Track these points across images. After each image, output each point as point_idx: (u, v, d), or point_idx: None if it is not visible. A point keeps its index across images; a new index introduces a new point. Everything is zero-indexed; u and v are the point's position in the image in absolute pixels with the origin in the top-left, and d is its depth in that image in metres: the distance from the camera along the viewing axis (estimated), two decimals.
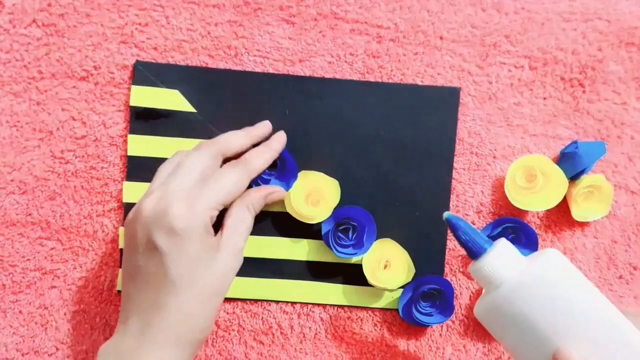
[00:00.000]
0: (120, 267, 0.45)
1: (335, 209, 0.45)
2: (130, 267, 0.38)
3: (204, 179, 0.39)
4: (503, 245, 0.35)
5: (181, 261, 0.36)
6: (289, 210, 0.45)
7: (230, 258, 0.38)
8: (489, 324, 0.36)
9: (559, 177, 0.44)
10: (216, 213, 0.39)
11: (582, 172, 0.44)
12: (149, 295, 0.36)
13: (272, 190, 0.43)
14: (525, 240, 0.45)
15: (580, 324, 0.33)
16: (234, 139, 0.42)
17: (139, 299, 0.37)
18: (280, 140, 0.44)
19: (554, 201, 0.44)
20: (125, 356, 0.35)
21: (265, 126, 0.44)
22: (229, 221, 0.40)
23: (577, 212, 0.45)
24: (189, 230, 0.36)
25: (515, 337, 0.34)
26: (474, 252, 0.35)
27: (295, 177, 0.45)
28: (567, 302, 0.33)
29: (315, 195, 0.44)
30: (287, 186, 0.44)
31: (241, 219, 0.40)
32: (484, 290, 0.36)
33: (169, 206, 0.36)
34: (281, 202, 0.45)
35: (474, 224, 0.46)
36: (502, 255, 0.34)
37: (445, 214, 0.36)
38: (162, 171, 0.40)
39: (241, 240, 0.39)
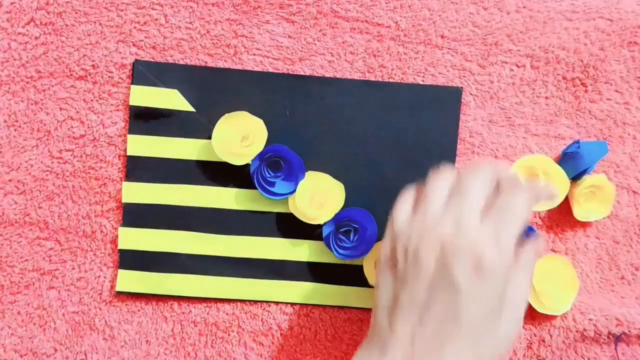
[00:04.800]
0: (119, 267, 0.45)
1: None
2: (405, 293, 0.31)
3: (488, 207, 0.33)
4: None
5: (479, 306, 0.30)
6: (292, 210, 0.44)
7: (513, 318, 0.31)
8: None
9: (560, 177, 0.44)
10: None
11: (584, 172, 0.44)
12: (424, 332, 0.30)
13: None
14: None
15: None
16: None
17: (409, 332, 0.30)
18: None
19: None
20: None
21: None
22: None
23: (579, 212, 0.45)
24: (498, 269, 0.30)
25: None
26: None
27: (303, 175, 0.44)
28: None
29: (319, 196, 0.44)
30: (295, 185, 0.44)
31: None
32: None
33: (477, 237, 0.30)
34: (284, 202, 0.45)
35: None
36: None
37: None
38: (438, 192, 0.34)
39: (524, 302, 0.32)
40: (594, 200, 0.45)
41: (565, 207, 0.46)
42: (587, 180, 0.44)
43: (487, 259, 0.29)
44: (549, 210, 0.46)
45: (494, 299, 0.30)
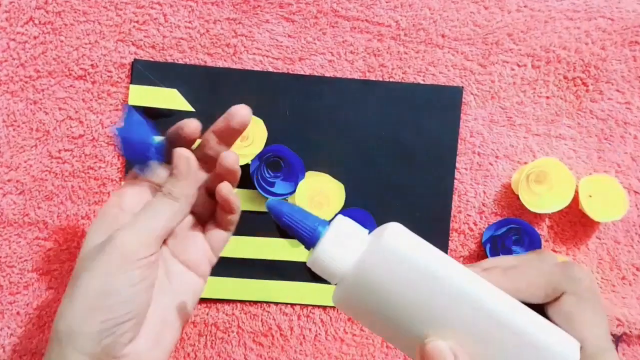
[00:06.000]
0: None
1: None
2: None
3: None
4: (340, 225, 0.28)
5: None
6: None
7: None
8: (350, 314, 0.30)
9: (567, 177, 0.44)
10: None
11: None
12: None
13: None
14: (528, 241, 0.45)
15: (443, 307, 0.26)
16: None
17: None
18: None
19: (564, 202, 0.44)
20: None
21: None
22: None
23: (591, 212, 0.45)
24: None
25: (380, 328, 0.28)
26: (306, 240, 0.28)
27: (302, 175, 0.44)
28: (421, 284, 0.26)
29: (320, 196, 0.44)
30: (294, 185, 0.44)
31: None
32: (330, 281, 0.29)
33: None
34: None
35: (475, 224, 0.46)
36: (339, 238, 0.27)
37: (267, 202, 0.28)
38: None
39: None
40: (605, 202, 0.45)
41: (566, 207, 0.45)
42: (592, 180, 0.44)
43: None
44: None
45: None
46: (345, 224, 0.28)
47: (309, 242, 0.28)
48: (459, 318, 0.26)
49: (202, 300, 0.45)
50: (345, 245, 0.27)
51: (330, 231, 0.28)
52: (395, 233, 0.27)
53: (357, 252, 0.27)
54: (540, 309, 0.29)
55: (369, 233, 0.28)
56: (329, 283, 0.45)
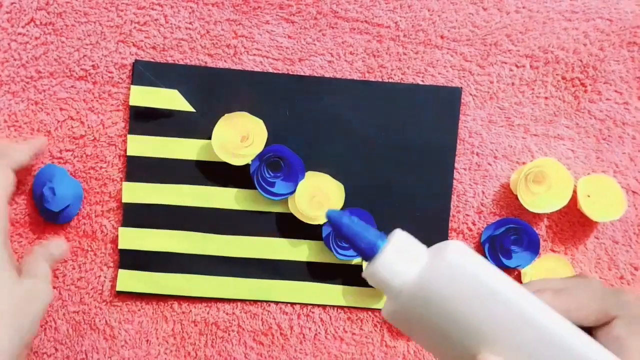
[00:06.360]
0: (119, 267, 0.45)
1: None
2: None
3: None
4: (399, 239, 0.28)
5: None
6: (292, 210, 0.44)
7: None
8: (403, 328, 0.30)
9: (565, 177, 0.44)
10: None
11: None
12: None
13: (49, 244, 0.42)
14: (527, 241, 0.45)
15: (500, 324, 0.27)
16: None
17: None
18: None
19: (562, 202, 0.44)
20: None
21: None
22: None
23: (589, 212, 0.45)
24: None
25: (432, 342, 0.29)
26: (365, 253, 0.28)
27: (302, 175, 0.44)
28: (481, 301, 0.27)
29: (320, 197, 0.44)
30: (294, 185, 0.44)
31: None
32: (386, 295, 0.30)
33: None
34: (284, 202, 0.45)
35: (474, 224, 0.46)
36: (399, 253, 0.28)
37: (327, 213, 0.29)
38: None
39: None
40: (604, 202, 0.45)
41: (565, 207, 0.46)
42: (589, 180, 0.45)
43: None
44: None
45: None
46: (405, 237, 0.28)
47: (368, 254, 0.28)
48: (516, 337, 0.27)
49: (203, 300, 0.46)
50: (405, 259, 0.28)
51: (391, 244, 0.28)
52: (458, 250, 0.28)
53: (417, 266, 0.28)
54: (588, 332, 0.29)
55: (385, 247, 0.28)
56: (330, 283, 0.45)
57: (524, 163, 0.46)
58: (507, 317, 0.27)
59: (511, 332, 0.27)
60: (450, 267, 0.27)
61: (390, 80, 0.46)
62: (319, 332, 0.46)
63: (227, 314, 0.46)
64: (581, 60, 0.46)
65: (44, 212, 0.44)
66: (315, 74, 0.46)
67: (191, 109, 0.45)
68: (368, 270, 0.28)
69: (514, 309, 0.27)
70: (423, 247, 0.29)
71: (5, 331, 0.35)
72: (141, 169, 0.45)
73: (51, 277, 0.39)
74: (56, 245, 0.42)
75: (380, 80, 0.46)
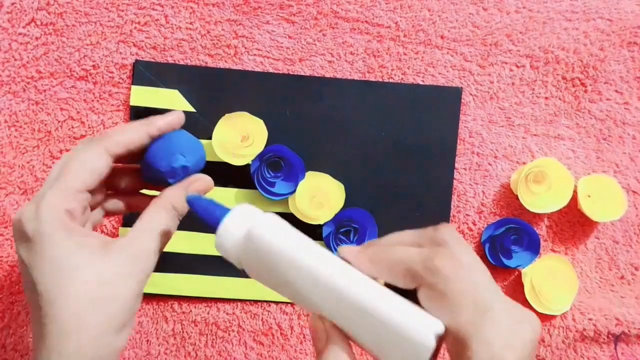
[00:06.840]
0: None
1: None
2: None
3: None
4: (236, 213, 0.31)
5: (44, 268, 0.30)
6: (292, 210, 0.44)
7: (122, 260, 0.31)
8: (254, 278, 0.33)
9: (565, 178, 0.44)
10: (76, 205, 0.32)
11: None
12: (33, 314, 0.31)
13: (193, 180, 0.36)
14: (528, 241, 0.45)
15: (303, 287, 0.29)
16: (120, 132, 0.34)
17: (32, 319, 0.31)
18: (167, 119, 0.35)
19: (563, 202, 0.45)
20: None
21: (174, 115, 0.36)
22: (136, 222, 0.33)
23: (590, 212, 0.45)
24: (41, 232, 0.30)
25: (280, 291, 0.31)
26: (211, 226, 0.31)
27: (303, 175, 0.44)
28: (282, 267, 0.30)
29: (320, 196, 0.44)
30: (295, 185, 0.44)
31: (151, 219, 0.33)
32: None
33: (21, 212, 0.31)
34: (285, 202, 0.45)
35: (474, 224, 0.46)
36: (235, 223, 0.31)
37: (186, 196, 0.32)
38: (48, 177, 0.34)
39: (148, 240, 0.32)
40: (603, 201, 0.45)
41: (565, 207, 0.46)
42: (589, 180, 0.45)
43: (27, 230, 0.31)
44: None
45: (63, 254, 0.31)
46: (245, 211, 0.31)
47: (213, 227, 0.31)
48: (319, 299, 0.29)
49: (203, 300, 0.46)
50: (236, 228, 0.31)
51: (229, 217, 0.31)
52: (265, 223, 0.31)
53: (241, 234, 0.31)
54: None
55: (226, 218, 0.31)
56: None
57: (524, 163, 0.46)
58: (306, 280, 0.29)
59: (313, 293, 0.29)
60: (251, 240, 0.30)
61: (391, 81, 0.46)
62: None
63: (227, 314, 0.46)
64: (581, 60, 0.46)
65: (153, 175, 0.36)
66: (316, 74, 0.46)
67: (191, 109, 0.45)
68: (215, 242, 0.31)
69: (305, 273, 0.29)
70: (260, 217, 0.31)
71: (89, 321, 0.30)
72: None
73: (167, 236, 0.34)
74: (178, 193, 0.35)
75: (380, 80, 0.46)
